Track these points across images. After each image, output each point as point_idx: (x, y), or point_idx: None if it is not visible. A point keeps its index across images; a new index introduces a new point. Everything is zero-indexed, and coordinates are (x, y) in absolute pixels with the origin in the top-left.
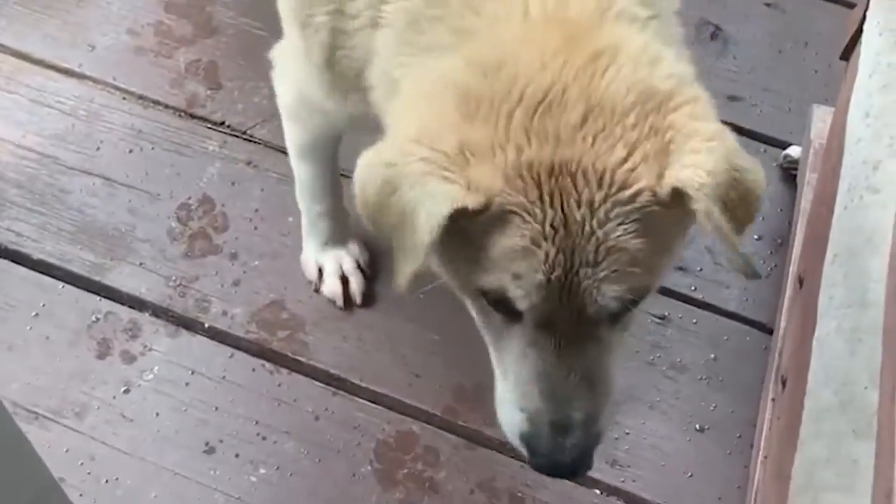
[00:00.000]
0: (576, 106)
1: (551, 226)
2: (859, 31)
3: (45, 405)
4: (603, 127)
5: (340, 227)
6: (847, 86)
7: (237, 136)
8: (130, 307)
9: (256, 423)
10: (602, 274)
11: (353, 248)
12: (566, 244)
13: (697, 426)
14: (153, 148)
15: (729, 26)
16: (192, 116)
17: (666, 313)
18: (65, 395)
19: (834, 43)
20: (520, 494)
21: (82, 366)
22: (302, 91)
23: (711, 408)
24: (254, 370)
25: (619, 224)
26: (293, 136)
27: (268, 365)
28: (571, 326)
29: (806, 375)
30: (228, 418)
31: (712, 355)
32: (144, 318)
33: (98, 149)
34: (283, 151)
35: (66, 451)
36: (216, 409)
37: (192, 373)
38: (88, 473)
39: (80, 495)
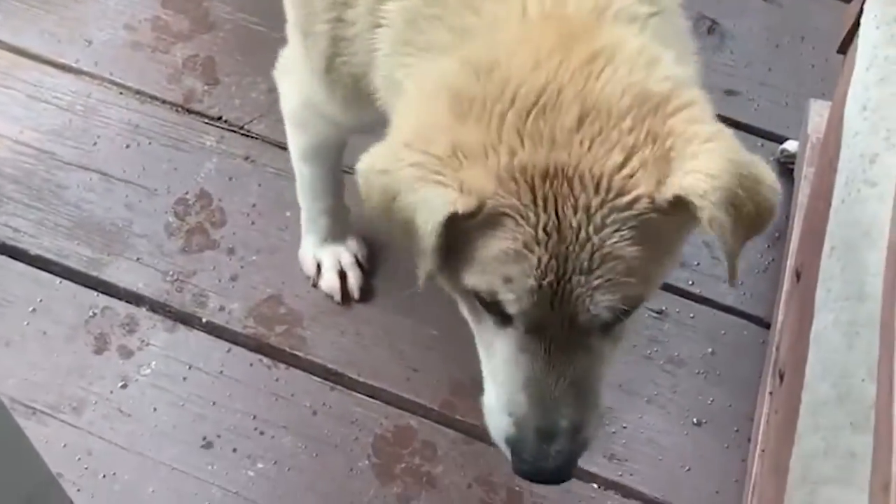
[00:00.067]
0: (571, 108)
1: (544, 230)
2: (856, 25)
3: (42, 400)
4: (599, 130)
5: (340, 224)
6: (844, 79)
7: (234, 132)
8: (128, 302)
9: (254, 417)
10: (596, 282)
11: (352, 243)
12: (559, 250)
13: (695, 420)
14: (150, 143)
15: (726, 21)
16: (190, 112)
17: (663, 308)
18: (62, 391)
19: (831, 37)
20: (517, 489)
21: (80, 361)
22: (306, 97)
23: (709, 402)
24: (251, 365)
25: (616, 231)
26: (296, 140)
27: (265, 360)
28: (562, 333)
29: (803, 369)
30: (226, 413)
31: (710, 349)
32: (142, 313)
33: (95, 144)
34: (281, 146)
35: (64, 446)
36: (214, 403)
37: (190, 368)
38: (86, 468)
39: (78, 490)
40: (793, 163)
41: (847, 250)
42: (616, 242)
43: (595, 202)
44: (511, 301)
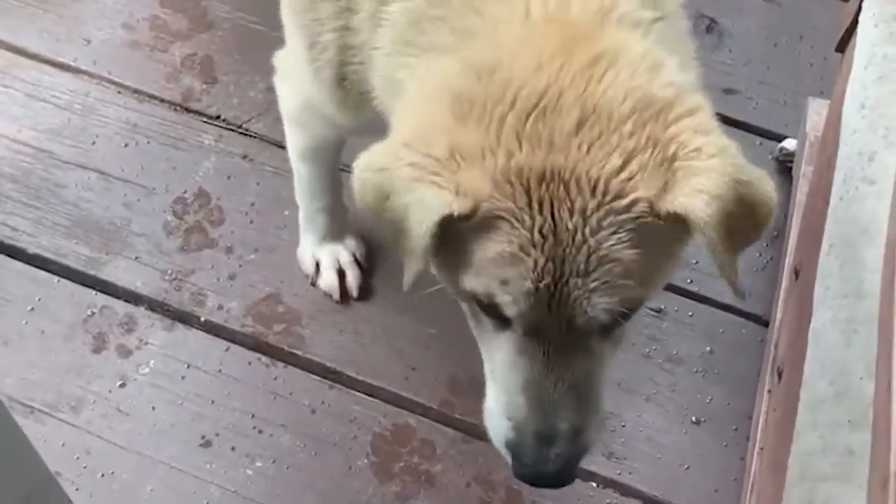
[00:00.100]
0: (571, 111)
1: (540, 233)
2: (854, 23)
3: (40, 399)
4: (599, 134)
5: (338, 223)
6: (842, 77)
7: (233, 130)
8: (126, 301)
9: (253, 416)
10: (593, 285)
11: (350, 242)
12: (555, 252)
13: (693, 418)
14: (149, 142)
15: (724, 19)
16: (188, 110)
17: (662, 306)
18: (60, 390)
19: (829, 36)
20: (516, 487)
21: (78, 360)
22: (305, 98)
23: (707, 400)
24: (250, 364)
25: (613, 233)
26: (295, 141)
27: (264, 358)
28: (560, 336)
29: (802, 367)
30: (224, 412)
31: (708, 348)
32: (140, 312)
33: (93, 143)
34: (279, 145)
35: (62, 445)
36: (212, 402)
37: (188, 366)
38: (84, 467)
39: (77, 489)
40: (791, 161)
41: (845, 248)
42: (613, 245)
43: (591, 205)
44: (508, 303)
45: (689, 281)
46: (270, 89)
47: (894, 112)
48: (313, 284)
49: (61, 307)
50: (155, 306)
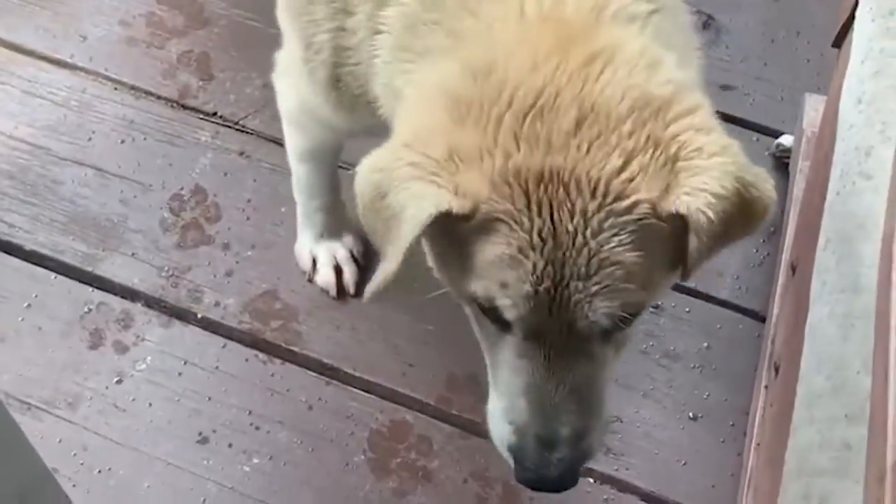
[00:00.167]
0: (568, 111)
1: (539, 236)
2: (851, 18)
3: (37, 396)
4: (598, 134)
5: (336, 220)
6: (839, 73)
7: (229, 127)
8: (123, 298)
9: (249, 412)
10: (594, 288)
11: (348, 239)
12: (555, 255)
13: (691, 414)
14: (145, 138)
15: (721, 15)
16: (184, 107)
17: (659, 302)
18: (57, 386)
19: (826, 32)
20: (513, 483)
21: (75, 356)
22: (302, 101)
23: (704, 396)
24: (247, 360)
25: (614, 235)
26: (293, 142)
27: (261, 355)
28: (561, 340)
29: (799, 362)
30: (221, 408)
31: (705, 344)
32: (137, 308)
33: (90, 139)
34: (276, 142)
35: (59, 441)
36: (209, 399)
37: (185, 363)
38: (81, 464)
39: (73, 486)
40: (788, 157)
41: (842, 243)
42: (614, 247)
43: (592, 206)
44: (508, 307)
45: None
46: (267, 86)
47: (891, 107)
48: (310, 281)
49: (58, 304)
50: (152, 303)
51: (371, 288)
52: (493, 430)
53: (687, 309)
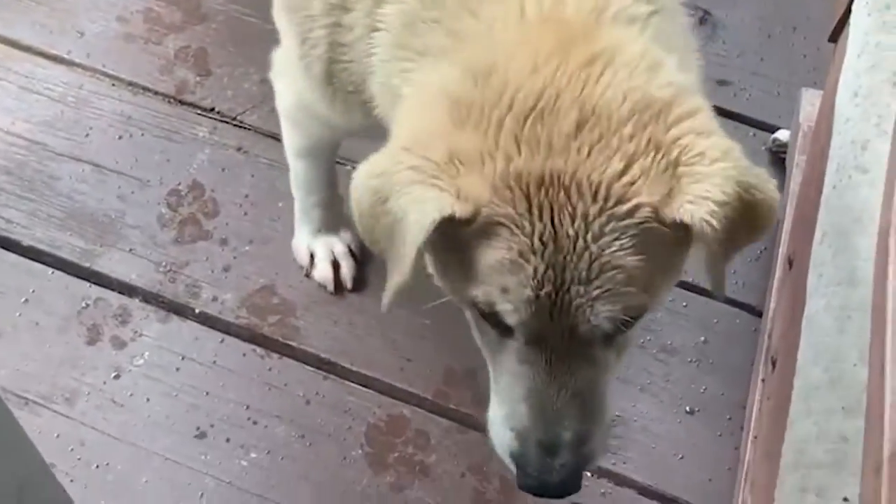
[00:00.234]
0: (569, 113)
1: (540, 240)
2: (848, 12)
3: (35, 391)
4: (599, 137)
5: (334, 215)
6: (836, 67)
7: (227, 122)
8: (120, 293)
9: (247, 407)
10: (595, 292)
11: (345, 234)
12: (556, 260)
13: (688, 408)
14: (143, 134)
15: (718, 11)
16: (182, 103)
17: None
18: (55, 381)
19: (822, 27)
20: (510, 477)
21: (72, 352)
22: (300, 99)
23: (702, 390)
24: (244, 355)
25: (615, 239)
26: (291, 139)
27: (258, 350)
28: (563, 344)
29: (795, 355)
30: (219, 403)
31: (702, 338)
32: (134, 303)
33: (87, 135)
34: (273, 137)
35: (57, 436)
36: (207, 394)
37: (183, 358)
38: (79, 459)
39: (71, 481)
40: (784, 152)
41: (838, 236)
42: (616, 251)
43: (593, 210)
44: (509, 312)
45: (683, 271)
46: (264, 81)
47: (887, 100)
48: (308, 276)
49: (55, 299)
50: (149, 298)
51: (386, 299)
52: (494, 437)
53: (684, 303)
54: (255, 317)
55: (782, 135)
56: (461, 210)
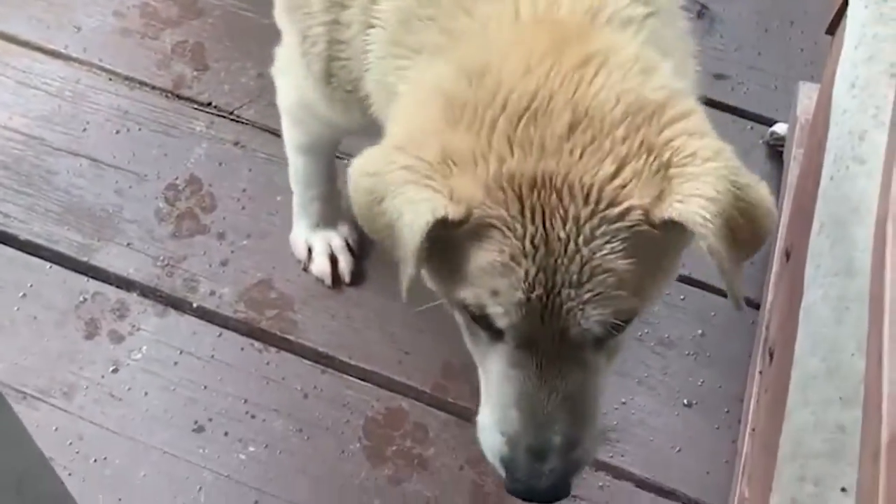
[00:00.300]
0: (561, 115)
1: (531, 242)
2: (845, 5)
3: (33, 385)
4: (591, 139)
5: (332, 210)
6: (833, 59)
7: (224, 117)
8: (118, 287)
9: (245, 401)
10: (586, 296)
11: (343, 228)
12: (547, 262)
13: (685, 401)
14: (140, 129)
15: (715, 5)
16: (179, 97)
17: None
18: (53, 375)
19: (819, 21)
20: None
21: (70, 346)
22: (301, 97)
23: (699, 383)
24: (242, 349)
25: (606, 242)
26: (292, 136)
27: (256, 344)
28: (554, 348)
29: (793, 347)
30: (217, 397)
31: (700, 331)
32: (132, 298)
33: (84, 130)
34: (271, 132)
35: (55, 430)
36: (205, 388)
37: (181, 352)
38: (77, 453)
39: (70, 475)
40: (782, 146)
41: (836, 227)
42: (607, 255)
43: (584, 213)
44: (499, 315)
45: (681, 265)
46: (262, 76)
47: (884, 91)
48: (305, 270)
49: (53, 293)
50: (147, 292)
51: (403, 290)
52: (484, 442)
53: (681, 296)
54: (253, 311)
55: (780, 128)
56: (454, 212)
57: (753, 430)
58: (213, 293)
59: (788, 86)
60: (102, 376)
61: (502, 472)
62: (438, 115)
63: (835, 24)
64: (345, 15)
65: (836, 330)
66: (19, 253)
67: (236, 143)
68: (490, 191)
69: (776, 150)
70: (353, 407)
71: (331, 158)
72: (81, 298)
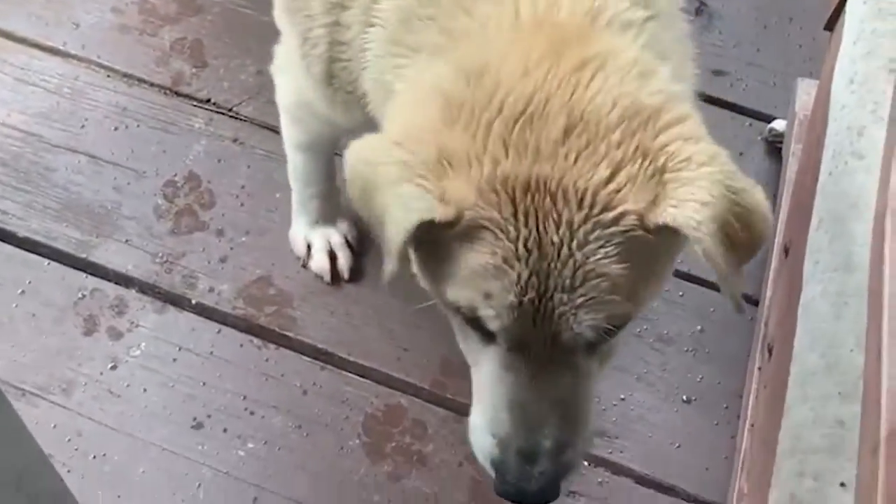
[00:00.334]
0: (557, 119)
1: (525, 246)
2: (843, 0)
3: (31, 382)
4: (586, 144)
5: (331, 207)
6: (831, 55)
7: (223, 114)
8: (117, 284)
9: (244, 398)
10: (579, 300)
11: (342, 225)
12: (540, 266)
13: (684, 397)
14: (139, 125)
15: (714, 1)
16: (178, 94)
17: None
18: (52, 372)
19: (818, 17)
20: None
21: (69, 342)
22: (300, 96)
23: (698, 379)
24: (241, 346)
25: (600, 247)
26: (291, 135)
27: (255, 340)
28: (545, 352)
29: (792, 342)
30: (216, 393)
31: (699, 327)
32: (131, 294)
33: (83, 126)
34: (270, 128)
35: (54, 427)
36: (204, 384)
37: (180, 349)
38: (76, 449)
39: (68, 471)
40: (781, 142)
41: (834, 222)
42: (600, 259)
43: (578, 217)
44: (491, 317)
45: (679, 260)
46: (261, 72)
47: (882, 87)
48: (305, 267)
49: (52, 290)
50: (146, 289)
51: (384, 279)
52: (475, 443)
53: (680, 293)
54: (252, 307)
55: (778, 124)
56: (442, 213)
57: (752, 425)
58: (211, 290)
59: (787, 82)
60: (101, 373)
61: (492, 473)
62: (436, 115)
63: (833, 19)
64: (346, 16)
65: (834, 325)
66: (17, 250)
67: (235, 140)
68: (483, 193)
69: (775, 147)
70: (353, 403)
71: (330, 156)
72: (80, 295)
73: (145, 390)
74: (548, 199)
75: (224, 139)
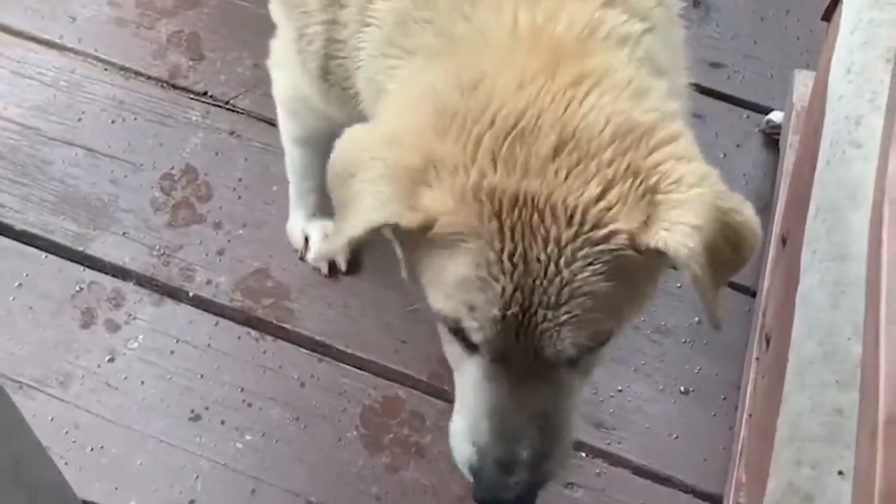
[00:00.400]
0: (548, 136)
1: (510, 260)
2: None
3: (29, 374)
4: (577, 161)
5: (328, 200)
6: (829, 45)
7: (220, 107)
8: (114, 276)
9: (242, 390)
10: (563, 317)
11: None
12: (525, 281)
13: (682, 388)
14: (135, 118)
15: None
16: (175, 87)
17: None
18: (49, 365)
19: (815, 9)
20: None
21: (66, 335)
22: (297, 91)
23: (696, 370)
24: (239, 338)
25: (588, 265)
26: (288, 128)
27: (253, 332)
28: (527, 365)
29: (789, 332)
30: (214, 386)
31: (696, 318)
32: (128, 287)
33: (80, 120)
34: (267, 121)
35: (51, 419)
36: (201, 376)
37: (177, 341)
38: (73, 442)
39: (66, 464)
40: (778, 134)
41: (832, 212)
42: (588, 277)
43: (567, 235)
44: (475, 329)
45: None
46: (257, 65)
47: (880, 76)
48: (302, 259)
49: (49, 283)
50: (143, 281)
51: (322, 251)
52: (454, 448)
53: (678, 284)
54: (250, 300)
55: (776, 116)
56: (408, 220)
57: (750, 416)
58: (209, 282)
59: (784, 74)
60: (98, 365)
61: (471, 479)
62: (428, 121)
63: (830, 10)
64: (342, 14)
65: (832, 314)
66: (15, 243)
67: (232, 133)
68: (463, 200)
69: (772, 139)
70: (350, 395)
71: (327, 150)
72: (77, 288)
73: (143, 383)
74: (535, 215)
75: (221, 132)
